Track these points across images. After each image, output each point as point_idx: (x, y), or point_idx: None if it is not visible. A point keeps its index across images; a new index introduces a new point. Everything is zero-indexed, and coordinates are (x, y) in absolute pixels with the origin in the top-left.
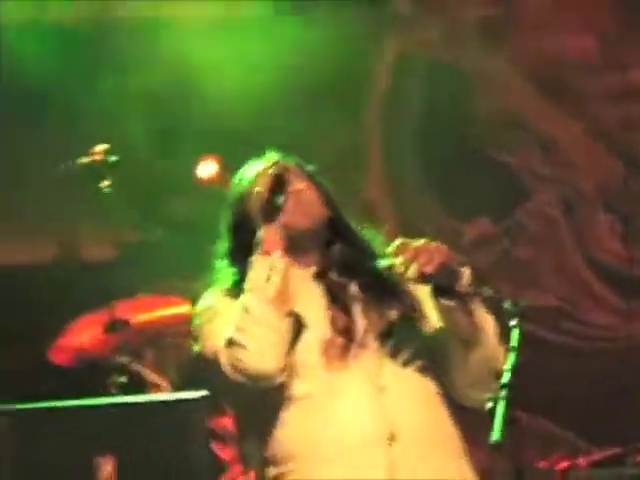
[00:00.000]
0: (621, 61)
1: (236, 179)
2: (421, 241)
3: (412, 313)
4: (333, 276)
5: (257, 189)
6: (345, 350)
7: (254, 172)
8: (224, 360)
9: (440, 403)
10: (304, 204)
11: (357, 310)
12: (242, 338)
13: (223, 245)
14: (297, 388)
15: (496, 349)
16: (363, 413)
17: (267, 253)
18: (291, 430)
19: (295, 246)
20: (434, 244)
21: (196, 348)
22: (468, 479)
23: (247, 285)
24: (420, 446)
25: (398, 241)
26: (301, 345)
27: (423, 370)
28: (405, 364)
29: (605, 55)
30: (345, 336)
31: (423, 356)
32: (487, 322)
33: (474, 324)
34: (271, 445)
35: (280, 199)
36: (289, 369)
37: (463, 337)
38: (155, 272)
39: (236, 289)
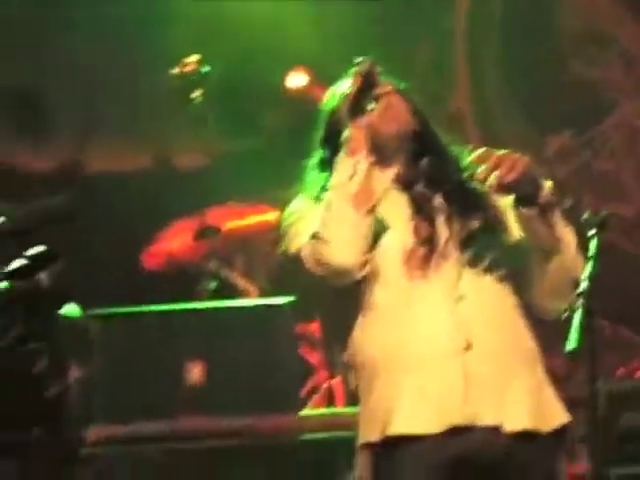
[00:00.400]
0: None
1: (329, 92)
2: (503, 151)
3: (494, 224)
4: (419, 187)
5: (346, 89)
6: (426, 260)
7: (347, 84)
8: (307, 254)
9: (518, 315)
10: (392, 110)
11: (440, 221)
12: (324, 233)
13: (315, 156)
14: (377, 295)
15: (575, 259)
16: (441, 323)
17: (352, 153)
18: (370, 338)
19: (381, 153)
20: (516, 154)
21: (282, 249)
22: (543, 390)
23: (331, 183)
24: (496, 356)
25: (481, 150)
26: (383, 253)
27: (502, 281)
28: (484, 273)
29: None
30: (427, 246)
31: (503, 267)
32: (567, 232)
33: (554, 234)
34: (351, 352)
35: (368, 99)
36: (371, 274)
37: (543, 247)
38: (245, 180)
39: (324, 195)
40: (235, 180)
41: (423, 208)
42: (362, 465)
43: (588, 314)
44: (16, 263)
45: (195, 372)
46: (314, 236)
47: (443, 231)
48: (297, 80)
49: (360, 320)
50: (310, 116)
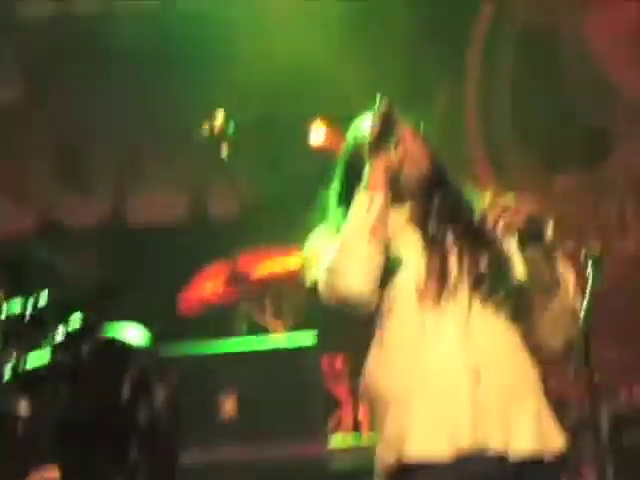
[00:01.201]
0: None
1: (350, 129)
2: (510, 196)
3: (501, 263)
4: (431, 224)
5: (367, 129)
6: (438, 295)
7: (367, 123)
8: (323, 284)
9: (522, 346)
10: (413, 154)
11: (452, 257)
12: (338, 264)
13: (334, 190)
14: (392, 328)
15: (575, 299)
16: (452, 354)
17: (371, 189)
18: (384, 369)
19: (399, 192)
20: (522, 199)
21: (305, 282)
22: (545, 417)
23: (348, 216)
24: (502, 385)
25: (488, 196)
26: (398, 288)
27: (508, 315)
28: (492, 307)
29: None
30: (439, 282)
31: (509, 304)
32: (568, 273)
33: (556, 274)
34: (367, 382)
35: (388, 139)
36: (386, 308)
37: (545, 286)
38: (273, 226)
39: (341, 228)
40: (264, 226)
41: (435, 244)
42: None
43: (587, 344)
44: (59, 337)
45: (228, 405)
46: (329, 267)
47: (454, 267)
48: (318, 136)
49: (374, 352)
50: (332, 163)
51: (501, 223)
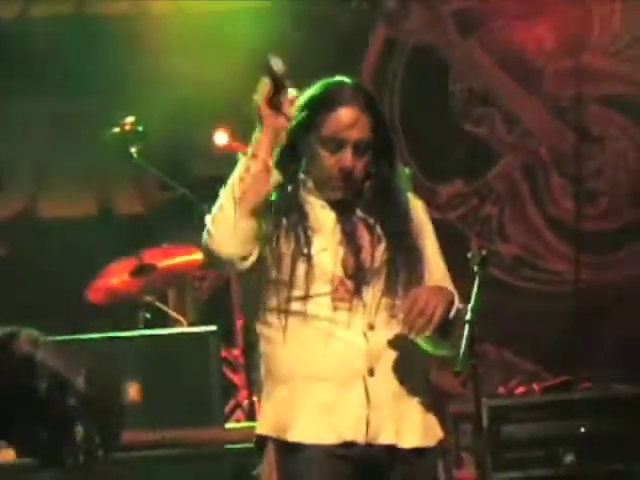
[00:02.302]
0: (573, 45)
1: None
2: (424, 297)
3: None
4: (358, 213)
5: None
6: (352, 288)
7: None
8: (203, 242)
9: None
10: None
11: (377, 250)
12: (211, 225)
13: None
14: (308, 314)
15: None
16: (352, 347)
17: (254, 156)
18: (287, 346)
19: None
20: (435, 299)
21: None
22: (427, 413)
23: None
24: (393, 383)
25: (405, 303)
26: (316, 269)
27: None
28: (397, 309)
29: (559, 40)
30: (354, 276)
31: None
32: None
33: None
34: (271, 361)
35: (279, 99)
36: (303, 288)
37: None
38: (178, 224)
39: None
40: (168, 224)
41: (354, 237)
42: (267, 461)
43: (472, 341)
44: None
45: (132, 391)
46: (207, 229)
47: (375, 259)
48: (220, 138)
49: (284, 336)
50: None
51: (416, 328)
